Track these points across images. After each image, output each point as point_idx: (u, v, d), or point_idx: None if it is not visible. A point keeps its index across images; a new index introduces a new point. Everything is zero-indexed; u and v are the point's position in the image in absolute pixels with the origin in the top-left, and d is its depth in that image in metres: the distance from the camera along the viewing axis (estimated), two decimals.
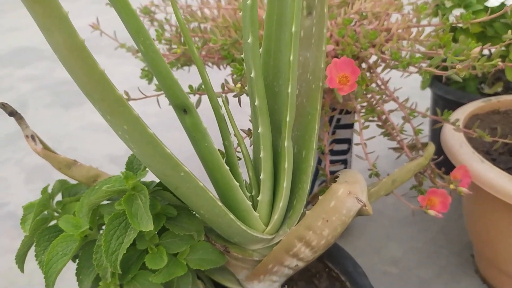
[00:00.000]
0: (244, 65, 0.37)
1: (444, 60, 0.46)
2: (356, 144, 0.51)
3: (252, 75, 0.32)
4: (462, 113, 0.62)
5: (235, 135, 0.35)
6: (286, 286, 0.40)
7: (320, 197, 0.35)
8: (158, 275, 0.32)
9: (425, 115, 0.54)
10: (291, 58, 0.32)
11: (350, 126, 0.64)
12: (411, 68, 0.57)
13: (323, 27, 0.37)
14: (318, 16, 0.37)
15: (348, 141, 0.66)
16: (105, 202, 0.35)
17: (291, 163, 0.36)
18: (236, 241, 0.36)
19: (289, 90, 0.33)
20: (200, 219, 0.36)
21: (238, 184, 0.34)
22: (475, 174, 0.50)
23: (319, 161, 0.64)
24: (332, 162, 0.66)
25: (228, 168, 0.36)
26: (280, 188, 0.36)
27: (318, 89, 0.38)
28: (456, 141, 0.55)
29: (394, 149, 0.53)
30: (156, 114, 0.86)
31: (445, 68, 0.52)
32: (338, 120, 0.62)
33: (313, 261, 0.46)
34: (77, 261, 0.35)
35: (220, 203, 0.31)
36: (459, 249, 0.70)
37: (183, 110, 0.32)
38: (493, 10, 0.67)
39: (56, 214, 0.39)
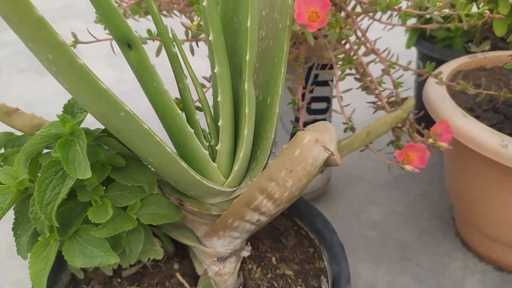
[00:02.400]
0: None
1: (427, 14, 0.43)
2: (333, 97, 0.47)
3: (204, 3, 0.28)
4: (446, 69, 0.58)
5: (190, 76, 0.31)
6: (249, 243, 0.37)
7: (284, 146, 0.32)
8: (101, 229, 0.29)
9: (407, 68, 0.51)
10: None
11: (328, 83, 0.61)
12: (394, 24, 0.54)
13: None
14: None
15: (327, 99, 0.62)
16: (47, 151, 0.32)
17: (252, 109, 0.32)
18: (192, 194, 0.33)
19: (248, 24, 0.29)
20: (152, 171, 0.33)
21: (192, 130, 0.30)
22: (457, 129, 0.47)
23: (297, 119, 0.61)
24: (309, 123, 0.63)
25: (184, 113, 0.32)
26: (241, 136, 0.33)
27: (285, 29, 0.34)
28: (438, 96, 0.52)
29: (373, 103, 0.49)
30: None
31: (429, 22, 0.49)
32: (316, 76, 0.58)
33: (281, 219, 0.44)
34: None
35: (168, 149, 0.28)
36: (441, 212, 0.69)
37: (127, 45, 0.28)
38: None
39: None
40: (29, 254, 0.30)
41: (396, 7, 0.42)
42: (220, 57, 0.30)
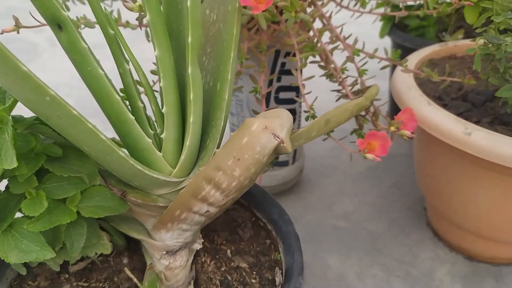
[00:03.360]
0: None
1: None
2: (294, 84, 0.46)
3: None
4: (416, 57, 0.58)
5: (130, 60, 0.30)
6: (201, 236, 0.35)
7: (231, 134, 0.31)
8: (35, 222, 0.28)
9: (372, 55, 0.50)
10: None
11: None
12: (362, 11, 0.52)
13: None
14: None
15: (297, 89, 0.61)
16: None
17: (198, 95, 0.31)
18: (137, 185, 0.31)
19: (189, 4, 0.27)
20: (94, 161, 0.31)
21: (133, 118, 0.29)
22: (421, 117, 0.46)
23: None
24: None
25: (126, 99, 0.31)
26: (188, 123, 0.31)
27: (235, 10, 0.32)
28: (404, 85, 0.51)
29: (337, 91, 0.48)
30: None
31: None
32: (283, 64, 0.57)
33: (240, 211, 0.42)
34: None
35: (103, 137, 0.26)
36: (412, 202, 0.68)
37: (58, 26, 0.26)
38: None
39: None
40: None
41: None
42: (159, 39, 0.28)
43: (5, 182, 0.30)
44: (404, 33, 0.72)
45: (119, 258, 0.36)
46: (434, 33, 0.71)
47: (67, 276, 0.35)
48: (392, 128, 0.43)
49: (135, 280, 0.34)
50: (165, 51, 0.29)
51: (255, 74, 0.48)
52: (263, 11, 0.35)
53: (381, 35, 0.75)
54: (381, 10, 0.60)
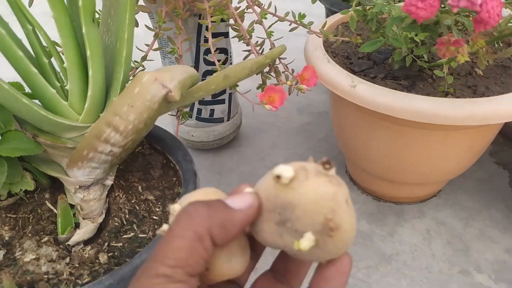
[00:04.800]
0: None
1: None
2: (204, 45, 0.51)
3: None
4: (329, 20, 0.63)
5: (31, 21, 0.35)
6: (111, 173, 0.42)
7: (126, 85, 0.37)
8: None
9: (283, 19, 0.55)
10: None
11: (223, 34, 0.64)
12: None
13: None
14: None
15: (225, 50, 0.66)
16: None
17: (96, 51, 0.36)
18: (47, 129, 0.37)
19: None
20: (8, 110, 0.37)
21: (36, 71, 0.34)
22: (320, 73, 0.53)
23: (196, 68, 0.65)
24: (209, 72, 0.67)
25: (35, 57, 0.36)
26: (89, 77, 0.37)
27: None
28: (312, 45, 0.57)
29: (248, 51, 0.54)
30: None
31: None
32: (207, 26, 0.62)
33: (155, 155, 0.49)
34: None
35: (6, 87, 0.32)
36: (335, 154, 0.76)
37: None
38: None
39: None
40: None
41: None
42: (53, 1, 0.33)
43: None
44: None
45: (42, 194, 0.42)
46: None
47: None
48: (288, 83, 0.49)
49: (54, 210, 0.40)
50: (59, 12, 0.34)
51: (174, 37, 0.53)
52: None
53: (313, 1, 0.80)
54: None
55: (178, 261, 0.18)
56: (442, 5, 0.32)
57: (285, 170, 0.20)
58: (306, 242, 0.19)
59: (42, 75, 0.35)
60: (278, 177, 0.20)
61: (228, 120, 0.74)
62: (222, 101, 0.72)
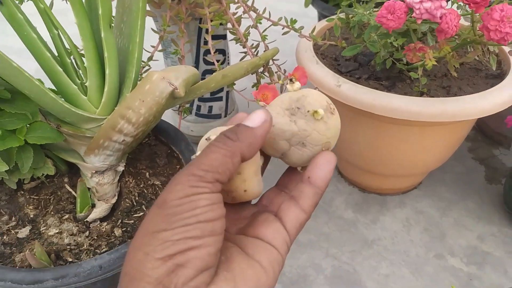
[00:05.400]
0: None
1: None
2: (204, 47, 0.57)
3: None
4: (319, 25, 0.69)
5: (57, 27, 0.40)
6: (123, 161, 0.47)
7: (138, 82, 0.42)
8: None
9: (276, 23, 0.60)
10: None
11: (222, 36, 0.70)
12: None
13: None
14: None
15: (223, 51, 0.72)
16: None
17: (112, 53, 0.41)
18: (69, 121, 0.42)
19: None
20: (34, 102, 0.42)
21: (61, 69, 0.39)
22: (310, 73, 0.58)
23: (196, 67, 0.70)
24: (208, 72, 0.72)
25: (59, 57, 0.41)
26: (106, 75, 0.42)
27: None
28: (303, 48, 0.63)
29: (244, 52, 0.59)
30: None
31: None
32: (207, 31, 0.67)
33: (160, 146, 0.54)
34: None
35: (37, 83, 0.37)
36: None
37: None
38: None
39: None
40: None
41: None
42: (76, 10, 0.38)
43: None
44: (324, 3, 0.83)
45: (61, 178, 0.48)
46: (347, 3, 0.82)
47: (22, 192, 0.46)
48: (281, 82, 0.54)
49: (72, 192, 0.46)
50: (82, 19, 0.39)
51: (178, 39, 0.58)
52: None
53: (306, 5, 0.86)
54: None
55: (211, 167, 0.24)
56: (410, 16, 0.38)
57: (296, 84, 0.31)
58: (321, 110, 0.29)
59: (66, 73, 0.40)
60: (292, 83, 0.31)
61: (225, 116, 0.80)
62: (220, 98, 0.77)
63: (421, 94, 0.55)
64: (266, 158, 0.34)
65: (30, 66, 0.42)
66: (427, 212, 0.70)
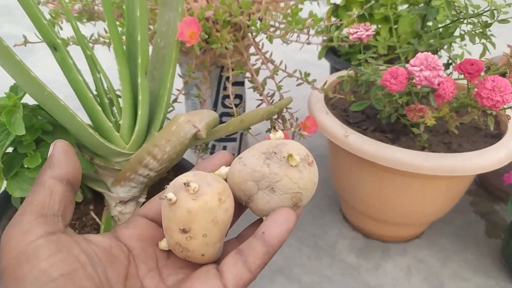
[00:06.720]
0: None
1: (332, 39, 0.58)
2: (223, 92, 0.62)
3: (106, 23, 0.42)
4: (330, 78, 0.74)
5: (100, 71, 0.46)
6: (145, 193, 0.51)
7: (165, 124, 0.47)
8: (32, 171, 0.43)
9: (291, 75, 0.66)
10: (138, 13, 0.43)
11: (240, 83, 0.76)
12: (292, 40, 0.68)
13: None
14: None
15: (240, 96, 0.77)
16: None
17: (146, 96, 0.47)
18: (101, 154, 0.47)
19: (139, 39, 0.44)
20: (72, 135, 0.47)
21: (100, 109, 0.45)
22: (320, 123, 0.63)
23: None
24: (226, 114, 0.78)
25: (98, 97, 0.47)
26: (138, 115, 0.47)
27: (174, 42, 0.49)
28: (315, 98, 0.68)
29: (261, 100, 0.65)
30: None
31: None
32: (228, 78, 0.73)
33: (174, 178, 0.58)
34: None
35: (79, 119, 0.42)
36: (332, 193, 0.85)
37: (54, 48, 0.42)
38: None
39: None
40: None
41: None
42: (119, 59, 0.44)
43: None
44: (336, 57, 0.90)
45: (87, 205, 0.52)
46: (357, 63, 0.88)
47: None
48: (292, 129, 0.59)
49: (97, 219, 0.50)
50: (123, 66, 0.45)
51: (201, 84, 0.64)
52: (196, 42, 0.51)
53: (319, 57, 0.92)
54: (319, 39, 0.77)
55: None
56: (411, 81, 0.43)
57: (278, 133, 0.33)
58: (297, 157, 0.28)
59: (103, 112, 0.46)
60: (275, 131, 0.33)
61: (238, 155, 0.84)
62: (234, 139, 0.82)
63: (422, 149, 0.59)
64: (238, 211, 0.34)
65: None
66: (427, 262, 0.72)
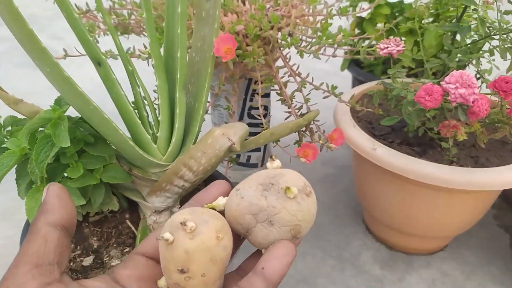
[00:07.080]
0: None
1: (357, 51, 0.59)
2: (254, 105, 0.63)
3: (147, 40, 0.44)
4: (356, 90, 0.75)
5: (140, 86, 0.47)
6: (179, 203, 0.52)
7: (201, 137, 0.48)
8: (74, 181, 0.45)
9: (317, 87, 0.67)
10: (179, 31, 0.44)
11: (267, 95, 0.77)
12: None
13: (217, 10, 0.49)
14: (214, 1, 0.49)
15: (266, 108, 0.79)
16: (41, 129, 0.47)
17: (182, 110, 0.48)
18: (139, 165, 0.49)
19: (178, 55, 0.45)
20: (112, 147, 0.48)
21: (139, 122, 0.46)
22: (347, 135, 0.64)
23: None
24: (252, 124, 0.79)
25: (136, 110, 0.48)
26: (175, 128, 0.48)
27: (210, 57, 0.50)
28: (341, 111, 0.69)
29: (289, 112, 0.66)
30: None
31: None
32: (254, 89, 0.74)
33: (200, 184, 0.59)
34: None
35: (121, 132, 0.44)
36: (354, 204, 0.85)
37: (98, 63, 0.44)
38: (393, 5, 0.80)
39: (5, 139, 0.50)
40: (26, 196, 0.46)
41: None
42: (158, 74, 0.46)
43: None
44: (359, 68, 0.90)
45: (123, 214, 0.53)
46: (381, 70, 0.89)
47: (87, 224, 0.52)
48: (321, 142, 0.60)
49: (132, 228, 0.51)
50: (162, 81, 0.46)
51: (229, 96, 0.66)
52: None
53: (342, 69, 0.93)
54: (341, 51, 0.78)
55: None
56: (446, 98, 0.43)
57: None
58: (295, 189, 0.28)
59: (142, 125, 0.47)
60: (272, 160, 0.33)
61: (261, 166, 0.85)
62: (258, 149, 0.83)
63: (450, 163, 0.59)
64: (237, 243, 0.33)
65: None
66: (452, 275, 0.72)
